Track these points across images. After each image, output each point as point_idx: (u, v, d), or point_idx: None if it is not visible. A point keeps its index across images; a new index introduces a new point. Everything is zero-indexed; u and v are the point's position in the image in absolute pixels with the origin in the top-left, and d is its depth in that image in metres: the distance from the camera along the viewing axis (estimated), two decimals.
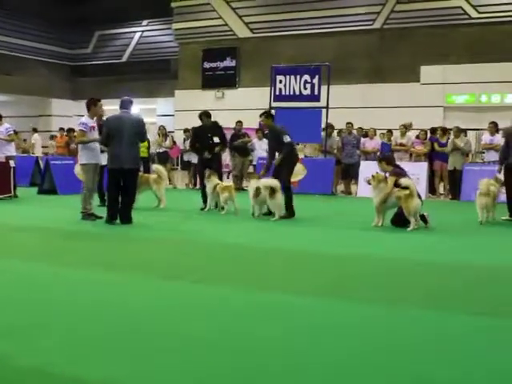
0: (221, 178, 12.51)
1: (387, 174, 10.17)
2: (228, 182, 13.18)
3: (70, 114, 31.78)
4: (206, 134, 12.54)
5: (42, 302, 5.10)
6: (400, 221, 9.87)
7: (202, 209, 12.20)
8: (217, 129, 12.88)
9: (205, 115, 12.64)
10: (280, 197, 10.61)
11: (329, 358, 3.80)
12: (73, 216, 10.59)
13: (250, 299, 5.29)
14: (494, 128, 16.42)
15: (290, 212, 11.06)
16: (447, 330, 4.42)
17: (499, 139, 16.15)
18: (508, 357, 3.88)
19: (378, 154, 16.56)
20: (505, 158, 11.31)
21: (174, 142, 19.69)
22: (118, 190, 10.06)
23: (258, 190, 10.75)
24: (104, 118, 11.15)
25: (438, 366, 3.67)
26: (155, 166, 13.31)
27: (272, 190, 10.43)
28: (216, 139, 12.54)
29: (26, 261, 6.87)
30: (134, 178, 10.33)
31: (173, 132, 20.98)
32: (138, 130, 10.14)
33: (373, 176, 10.12)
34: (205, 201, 12.18)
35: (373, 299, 5.26)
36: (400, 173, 10.06)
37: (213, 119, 12.97)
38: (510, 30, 21.86)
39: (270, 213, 11.01)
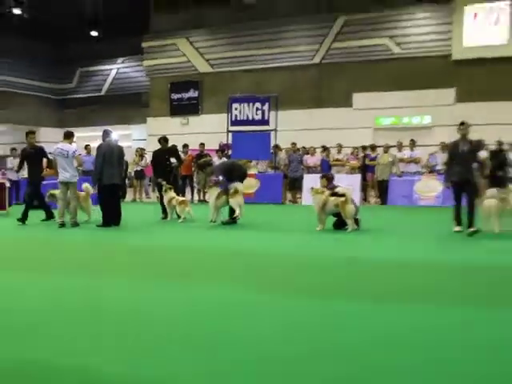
0: (176, 192, 12.55)
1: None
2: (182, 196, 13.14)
3: (56, 140, 31.20)
4: (163, 156, 12.72)
5: (42, 309, 4.70)
6: (339, 224, 10.18)
7: (163, 218, 12.25)
8: (173, 152, 13.13)
9: (163, 139, 12.91)
10: (241, 198, 10.93)
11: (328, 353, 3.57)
12: (56, 227, 10.72)
13: (245, 299, 4.94)
14: (412, 144, 17.01)
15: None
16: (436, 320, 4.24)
17: (417, 154, 16.78)
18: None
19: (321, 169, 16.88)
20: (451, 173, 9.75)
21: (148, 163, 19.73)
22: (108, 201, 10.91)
23: (219, 195, 11.07)
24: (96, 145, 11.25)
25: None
26: (84, 185, 11.86)
27: (235, 191, 10.90)
28: (173, 160, 12.91)
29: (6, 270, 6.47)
30: (119, 191, 11.74)
31: (146, 154, 20.96)
32: (122, 154, 11.20)
33: (312, 188, 10.50)
34: (163, 210, 12.28)
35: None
36: (334, 187, 10.35)
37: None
38: (426, 63, 22.47)
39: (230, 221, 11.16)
